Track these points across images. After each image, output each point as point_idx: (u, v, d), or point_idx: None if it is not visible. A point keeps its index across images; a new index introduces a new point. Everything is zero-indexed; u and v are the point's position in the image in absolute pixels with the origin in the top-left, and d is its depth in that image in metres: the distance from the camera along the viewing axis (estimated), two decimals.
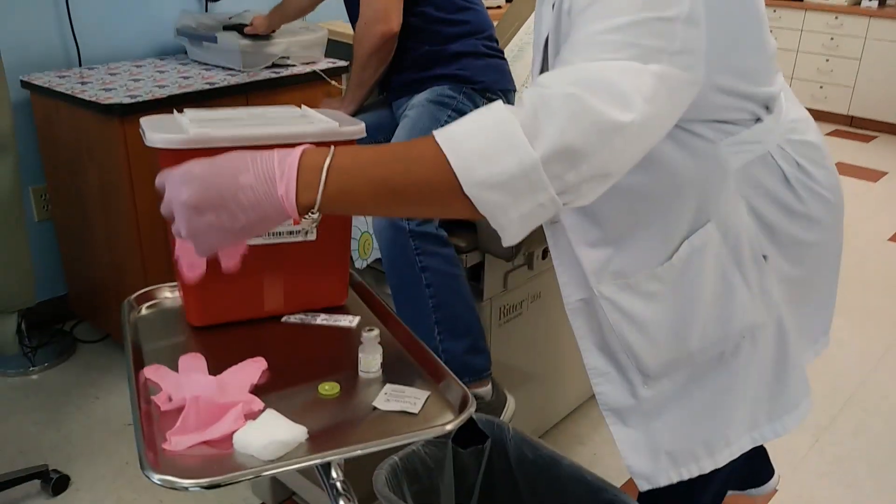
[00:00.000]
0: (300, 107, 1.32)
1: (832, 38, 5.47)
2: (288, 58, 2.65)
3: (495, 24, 2.13)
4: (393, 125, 1.91)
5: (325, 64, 2.72)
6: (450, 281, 1.68)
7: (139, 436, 0.90)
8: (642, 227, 1.15)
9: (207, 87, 2.36)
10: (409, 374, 1.08)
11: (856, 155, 4.98)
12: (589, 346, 1.27)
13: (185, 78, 2.46)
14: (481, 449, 1.49)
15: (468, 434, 1.42)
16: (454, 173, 0.84)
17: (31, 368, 2.47)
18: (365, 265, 1.81)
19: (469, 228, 1.77)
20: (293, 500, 1.92)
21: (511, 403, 1.83)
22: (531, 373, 2.09)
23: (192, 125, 1.12)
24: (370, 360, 1.05)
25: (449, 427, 0.92)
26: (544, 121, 0.85)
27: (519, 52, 2.24)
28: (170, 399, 1.00)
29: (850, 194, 3.82)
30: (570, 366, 2.18)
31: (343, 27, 2.92)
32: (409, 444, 1.10)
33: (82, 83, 2.35)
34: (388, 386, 1.03)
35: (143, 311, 1.26)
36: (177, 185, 0.92)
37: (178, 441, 0.91)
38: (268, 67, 2.61)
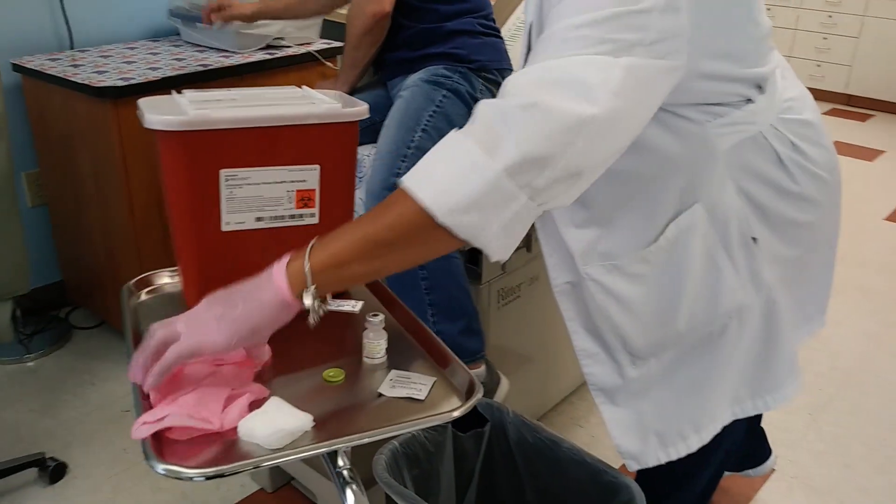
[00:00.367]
0: (300, 87, 1.30)
1: (830, 16, 5.43)
2: (283, 39, 2.62)
3: (493, 2, 2.10)
4: (388, 105, 1.89)
5: (320, 45, 2.69)
6: (443, 262, 1.67)
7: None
8: (629, 209, 1.15)
9: (201, 68, 2.33)
10: (414, 360, 1.07)
11: (853, 134, 4.97)
12: (577, 328, 1.28)
13: (178, 60, 2.42)
14: (481, 432, 1.48)
15: (468, 418, 1.41)
16: (426, 208, 0.86)
17: (27, 355, 2.45)
18: None
19: None
20: (292, 485, 1.91)
21: (504, 384, 1.82)
22: (529, 355, 2.08)
23: (191, 106, 1.10)
24: (375, 345, 1.04)
25: (456, 414, 0.91)
26: (501, 133, 0.86)
27: (517, 32, 2.21)
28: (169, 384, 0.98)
29: (847, 173, 3.80)
30: (568, 348, 2.15)
31: None
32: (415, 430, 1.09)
33: (74, 66, 2.31)
34: (393, 372, 1.02)
35: (143, 297, 1.24)
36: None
37: (167, 413, 0.89)
38: (262, 49, 2.58)
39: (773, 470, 2.02)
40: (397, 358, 1.06)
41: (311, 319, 0.91)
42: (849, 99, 5.59)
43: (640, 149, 1.05)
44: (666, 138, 1.09)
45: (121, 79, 2.18)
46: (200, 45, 2.63)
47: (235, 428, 0.90)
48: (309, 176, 1.16)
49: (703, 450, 1.35)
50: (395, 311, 1.18)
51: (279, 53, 2.55)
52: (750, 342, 1.23)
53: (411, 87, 1.82)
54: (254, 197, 1.14)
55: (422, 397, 0.96)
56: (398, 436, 0.91)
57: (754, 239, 1.17)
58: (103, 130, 2.21)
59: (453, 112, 1.79)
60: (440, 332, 1.67)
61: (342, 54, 2.69)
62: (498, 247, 0.90)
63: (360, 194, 1.74)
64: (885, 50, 5.27)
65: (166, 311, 1.21)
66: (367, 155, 1.85)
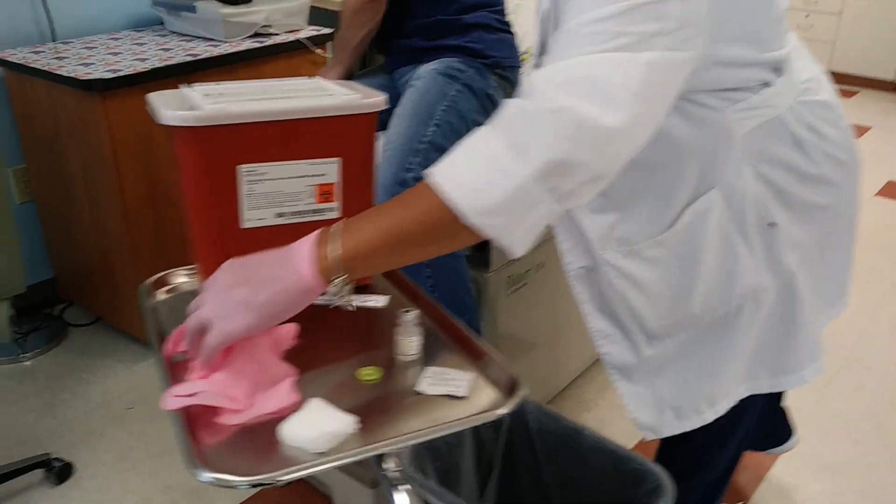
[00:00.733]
0: (312, 77, 1.26)
1: None
2: (270, 26, 2.56)
3: None
4: (391, 94, 1.85)
5: (308, 32, 2.64)
6: (449, 260, 1.65)
7: (180, 430, 0.85)
8: (646, 194, 1.15)
9: (190, 58, 2.28)
10: (447, 356, 1.04)
11: None
12: (591, 311, 1.29)
13: (165, 50, 2.37)
14: (500, 423, 1.47)
15: None
16: (454, 208, 0.86)
17: (23, 355, 2.40)
18: None
19: None
20: (303, 478, 1.89)
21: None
22: (536, 341, 2.07)
23: (206, 101, 1.06)
24: (409, 342, 1.01)
25: (503, 411, 0.89)
26: (531, 138, 0.85)
27: (515, 8, 2.17)
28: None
29: None
30: (574, 332, 2.17)
31: None
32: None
33: (58, 58, 2.25)
34: (429, 369, 0.99)
35: (160, 296, 1.20)
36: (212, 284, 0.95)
37: (200, 390, 0.89)
38: (250, 37, 2.52)
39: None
40: (428, 354, 1.04)
41: (340, 305, 0.90)
42: (833, 76, 5.60)
43: (657, 137, 1.04)
44: (683, 126, 1.07)
45: (108, 71, 2.12)
46: (186, 35, 2.57)
47: (273, 430, 0.88)
48: (329, 169, 1.13)
49: (723, 430, 1.36)
50: (421, 306, 1.16)
51: (268, 42, 2.50)
52: (767, 323, 1.23)
53: (424, 78, 1.79)
54: (274, 192, 1.11)
55: (463, 394, 0.94)
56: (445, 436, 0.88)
57: (773, 224, 1.16)
58: (92, 124, 2.15)
59: (465, 107, 1.77)
60: None
61: (333, 42, 2.67)
62: (520, 245, 0.91)
63: None
64: (867, 26, 5.29)
65: (185, 311, 1.19)
66: None
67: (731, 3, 0.98)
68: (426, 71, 1.81)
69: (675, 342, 1.23)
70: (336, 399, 0.91)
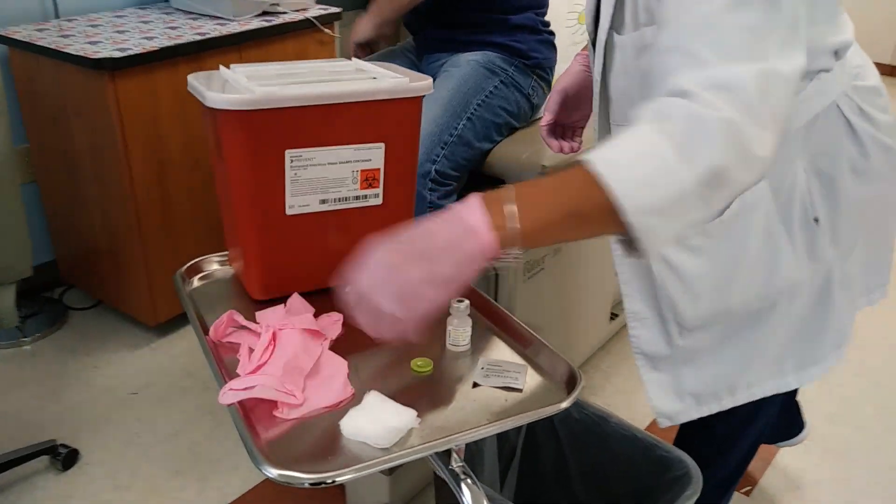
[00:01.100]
0: (350, 59, 1.23)
1: None
2: (278, 4, 2.52)
3: None
4: None
5: (316, 10, 2.59)
6: None
7: (241, 426, 0.83)
8: None
9: (199, 37, 2.23)
10: (496, 346, 1.03)
11: None
12: (631, 292, 1.26)
13: (172, 28, 2.32)
14: None
15: None
16: (616, 201, 0.82)
17: (23, 339, 2.35)
18: None
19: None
20: None
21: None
22: (550, 326, 2.07)
23: (252, 83, 1.03)
24: (460, 332, 1.00)
25: (566, 404, 0.87)
26: (699, 144, 0.82)
27: None
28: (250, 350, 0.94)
29: None
30: (581, 318, 2.17)
31: None
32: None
33: (64, 36, 2.20)
34: (483, 360, 0.98)
35: (196, 283, 1.18)
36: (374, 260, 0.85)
37: (256, 384, 0.86)
38: (258, 16, 2.48)
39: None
40: (477, 345, 1.02)
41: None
42: None
43: None
44: None
45: (116, 49, 2.07)
46: (192, 12, 2.51)
47: (330, 424, 0.86)
48: (374, 154, 1.11)
49: (744, 421, 1.35)
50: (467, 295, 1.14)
51: (276, 21, 2.45)
52: (799, 318, 1.23)
53: (464, 66, 1.77)
54: (319, 178, 1.08)
55: (519, 386, 0.93)
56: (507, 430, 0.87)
57: (817, 219, 1.15)
58: (100, 103, 2.10)
59: (499, 104, 1.77)
60: None
61: (342, 20, 2.63)
62: (656, 250, 0.86)
63: None
64: (864, 9, 5.29)
65: (224, 298, 1.16)
66: None
67: None
68: (466, 60, 1.79)
69: (707, 334, 1.23)
70: (392, 392, 0.90)
